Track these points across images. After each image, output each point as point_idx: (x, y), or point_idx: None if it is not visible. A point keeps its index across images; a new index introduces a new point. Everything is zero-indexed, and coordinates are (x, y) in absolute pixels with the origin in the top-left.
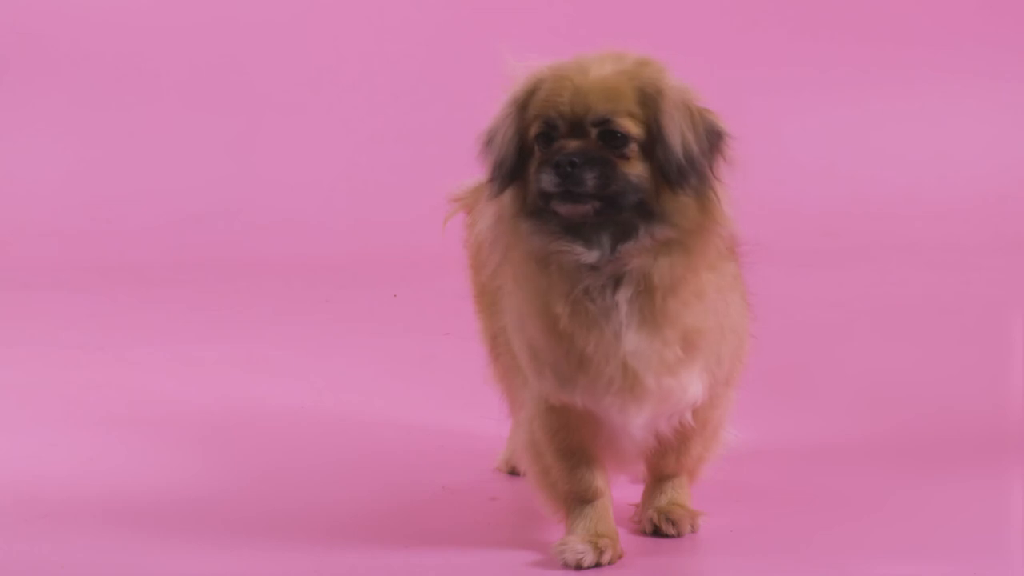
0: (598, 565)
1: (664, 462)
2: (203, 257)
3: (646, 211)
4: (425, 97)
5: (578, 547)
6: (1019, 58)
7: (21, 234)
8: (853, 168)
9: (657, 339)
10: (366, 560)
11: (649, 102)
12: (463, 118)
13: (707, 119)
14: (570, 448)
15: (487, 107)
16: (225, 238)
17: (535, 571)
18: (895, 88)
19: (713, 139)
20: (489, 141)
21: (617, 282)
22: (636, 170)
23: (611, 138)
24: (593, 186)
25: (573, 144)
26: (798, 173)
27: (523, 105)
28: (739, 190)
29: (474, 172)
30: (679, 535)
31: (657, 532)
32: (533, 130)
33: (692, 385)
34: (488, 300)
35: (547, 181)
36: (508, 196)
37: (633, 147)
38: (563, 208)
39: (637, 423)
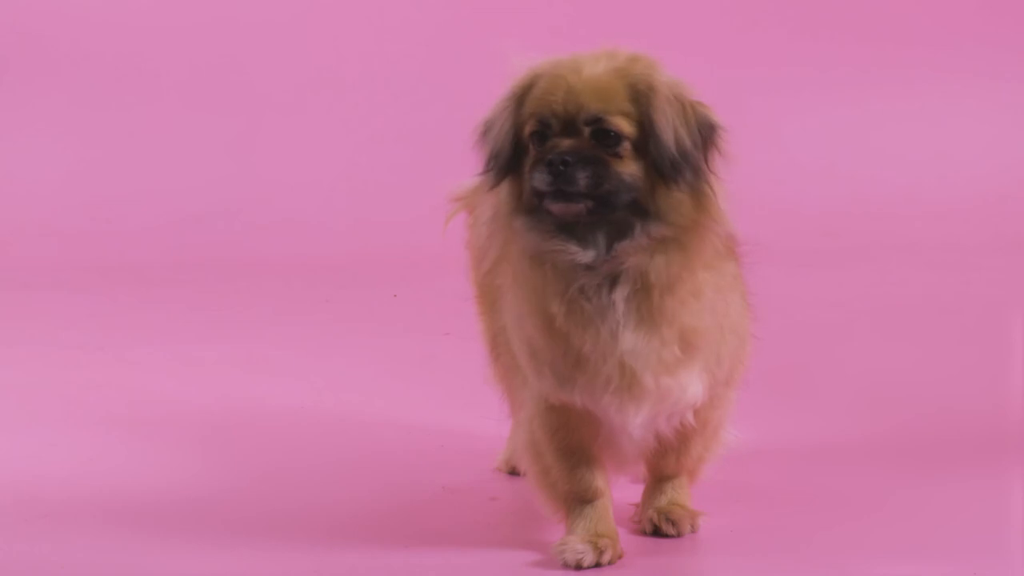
0: (598, 565)
1: (664, 462)
2: (203, 257)
3: (641, 209)
4: (425, 97)
5: (578, 547)
6: (1019, 58)
7: (21, 234)
8: (853, 168)
9: (655, 338)
10: (366, 560)
11: (641, 99)
12: (463, 118)
13: (700, 112)
14: (570, 448)
15: (487, 107)
16: (225, 238)
17: (535, 571)
18: (895, 88)
19: (706, 132)
20: (485, 132)
21: (613, 281)
22: (629, 168)
23: (604, 137)
24: (585, 185)
25: (566, 143)
26: (798, 173)
27: (520, 100)
28: (739, 190)
29: (474, 172)
30: (679, 535)
31: (657, 532)
32: (528, 128)
33: (691, 385)
34: (489, 300)
35: (540, 180)
36: (504, 191)
37: (626, 145)
38: (555, 207)
39: (636, 423)
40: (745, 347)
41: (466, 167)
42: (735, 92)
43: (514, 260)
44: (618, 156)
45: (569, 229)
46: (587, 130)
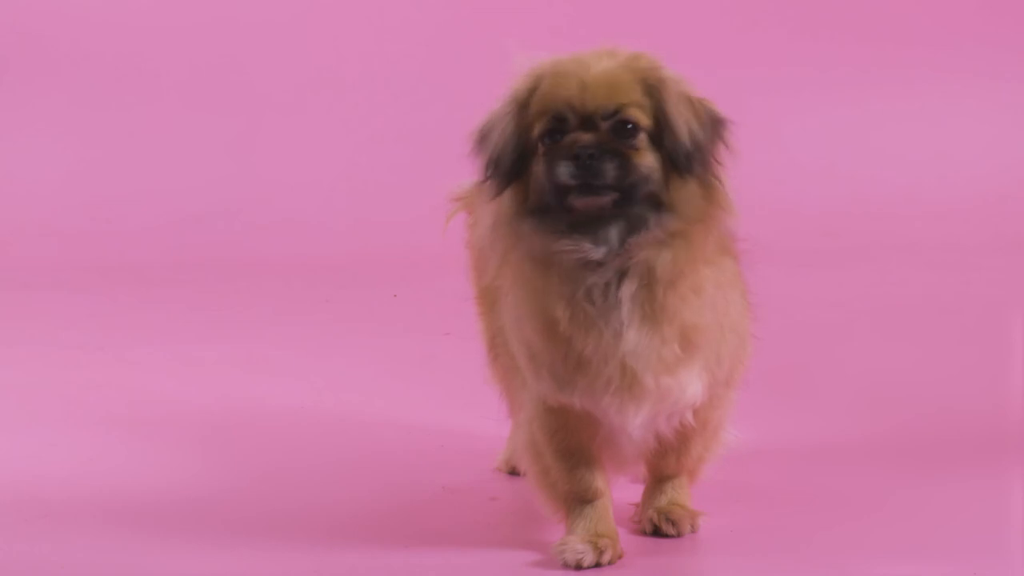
0: (598, 565)
1: (664, 463)
2: (203, 257)
3: (656, 202)
4: (425, 97)
5: (578, 547)
6: (1019, 58)
7: (21, 234)
8: (853, 168)
9: (656, 337)
10: (366, 560)
11: (653, 92)
12: (463, 118)
13: (707, 107)
14: (569, 449)
15: (487, 107)
16: (225, 238)
17: (535, 571)
18: (895, 88)
19: (715, 126)
20: (483, 139)
21: (621, 277)
22: (647, 160)
23: (622, 130)
24: (613, 178)
25: (587, 137)
26: (798, 173)
27: (523, 103)
28: (739, 190)
29: (474, 172)
30: (679, 535)
31: (657, 532)
32: (539, 127)
33: (691, 385)
34: (489, 300)
35: (564, 174)
36: (507, 196)
37: (643, 137)
38: (581, 201)
39: (636, 423)
40: (745, 347)
41: (466, 167)
42: (735, 92)
43: (515, 264)
44: (635, 148)
45: (583, 226)
46: (605, 124)
